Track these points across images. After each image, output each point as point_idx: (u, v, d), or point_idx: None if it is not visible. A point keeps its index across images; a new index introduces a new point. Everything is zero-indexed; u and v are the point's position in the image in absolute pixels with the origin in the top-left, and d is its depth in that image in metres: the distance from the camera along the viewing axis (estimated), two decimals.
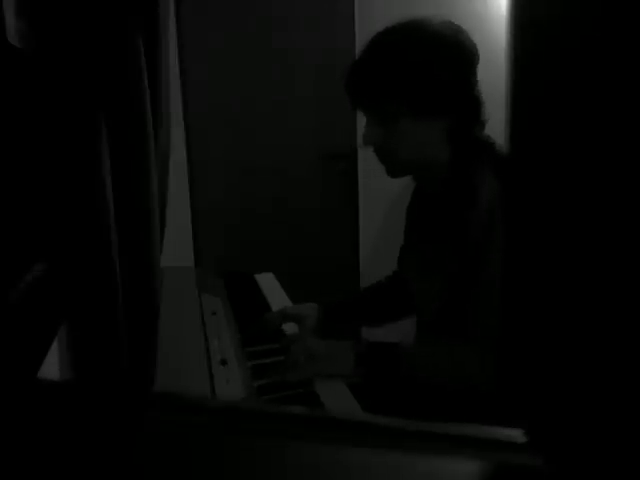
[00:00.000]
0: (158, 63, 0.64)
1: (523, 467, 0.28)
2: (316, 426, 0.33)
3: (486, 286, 0.86)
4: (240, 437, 0.31)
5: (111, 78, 0.52)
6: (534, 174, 0.25)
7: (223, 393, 0.83)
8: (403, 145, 0.95)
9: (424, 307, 1.05)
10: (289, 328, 1.17)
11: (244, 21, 2.22)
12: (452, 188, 0.95)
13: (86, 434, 0.30)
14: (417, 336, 1.12)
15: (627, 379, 0.23)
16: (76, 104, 0.48)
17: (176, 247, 1.94)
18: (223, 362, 0.92)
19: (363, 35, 2.30)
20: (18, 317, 0.42)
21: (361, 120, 2.53)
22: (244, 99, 2.27)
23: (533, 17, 0.24)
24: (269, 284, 1.44)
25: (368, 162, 2.40)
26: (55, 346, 0.51)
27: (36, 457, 0.28)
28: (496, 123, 0.99)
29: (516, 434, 0.29)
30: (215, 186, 2.29)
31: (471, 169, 0.93)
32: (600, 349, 0.24)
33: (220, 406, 0.36)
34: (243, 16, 2.22)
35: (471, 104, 0.94)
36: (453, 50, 0.91)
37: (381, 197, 2.43)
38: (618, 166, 0.22)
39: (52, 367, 0.52)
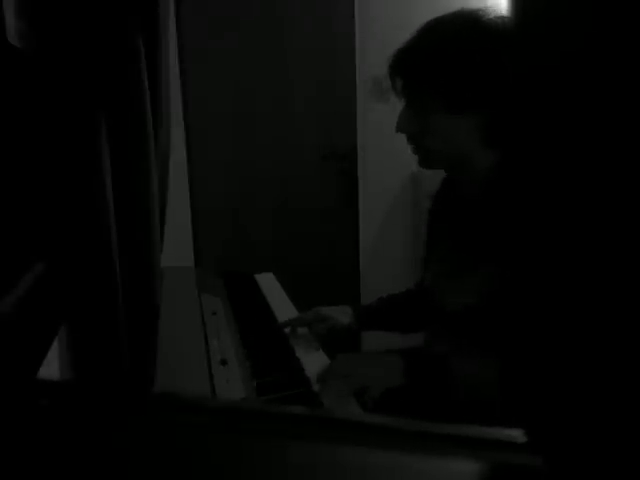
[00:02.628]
0: (158, 63, 0.64)
1: (523, 467, 0.28)
2: (316, 426, 0.33)
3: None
4: (240, 437, 0.31)
5: (111, 78, 0.52)
6: (535, 174, 0.25)
7: (223, 393, 0.83)
8: (434, 139, 0.94)
9: (449, 306, 1.03)
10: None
11: (244, 21, 2.22)
12: (492, 194, 0.91)
13: (86, 434, 0.30)
14: (430, 336, 1.11)
15: (626, 380, 0.23)
16: (76, 104, 0.48)
17: (176, 247, 1.94)
18: (223, 362, 0.92)
19: (363, 35, 2.30)
20: (18, 317, 0.42)
21: (361, 120, 2.53)
22: (244, 99, 2.27)
23: (533, 16, 0.24)
24: (269, 284, 1.44)
25: (368, 162, 2.40)
26: (55, 346, 0.51)
27: (36, 457, 0.28)
28: None
29: (516, 434, 0.29)
30: (215, 186, 2.29)
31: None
32: (599, 350, 0.24)
33: (220, 406, 0.36)
34: (243, 16, 2.22)
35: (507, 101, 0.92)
36: (501, 45, 0.88)
37: (381, 197, 2.43)
38: (621, 166, 0.22)
39: (52, 367, 0.52)
